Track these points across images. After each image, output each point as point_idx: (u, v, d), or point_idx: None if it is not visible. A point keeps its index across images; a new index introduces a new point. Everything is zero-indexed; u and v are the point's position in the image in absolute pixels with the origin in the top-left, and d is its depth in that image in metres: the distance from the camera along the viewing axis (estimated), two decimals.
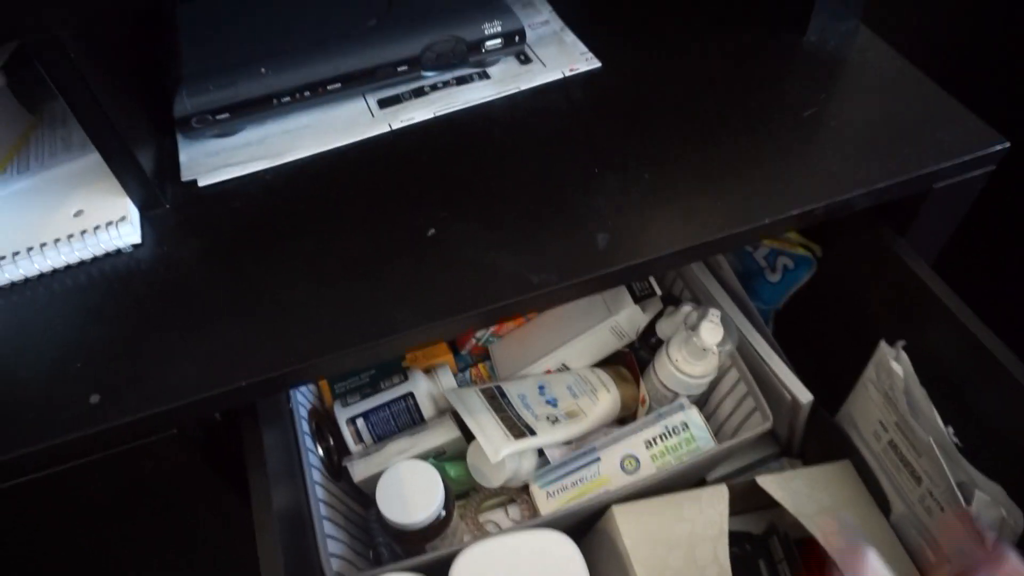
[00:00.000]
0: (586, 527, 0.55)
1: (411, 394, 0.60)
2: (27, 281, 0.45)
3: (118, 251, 0.46)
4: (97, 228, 0.45)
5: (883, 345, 0.53)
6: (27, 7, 0.36)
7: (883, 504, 0.57)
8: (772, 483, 0.54)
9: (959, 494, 0.48)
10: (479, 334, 0.65)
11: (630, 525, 0.52)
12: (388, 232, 0.46)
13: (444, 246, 0.45)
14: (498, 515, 0.62)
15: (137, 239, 0.46)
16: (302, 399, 0.59)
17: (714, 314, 0.56)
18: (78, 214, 0.46)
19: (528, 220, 0.46)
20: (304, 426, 0.56)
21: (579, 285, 0.44)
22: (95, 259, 0.45)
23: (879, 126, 0.50)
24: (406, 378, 0.61)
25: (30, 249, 0.45)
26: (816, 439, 0.62)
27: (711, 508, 0.51)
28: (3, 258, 0.44)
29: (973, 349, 0.48)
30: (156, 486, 0.45)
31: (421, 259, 0.45)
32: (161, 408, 0.39)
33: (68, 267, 0.45)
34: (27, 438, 0.38)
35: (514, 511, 0.62)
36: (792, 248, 0.62)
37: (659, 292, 0.62)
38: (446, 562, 0.48)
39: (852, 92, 0.53)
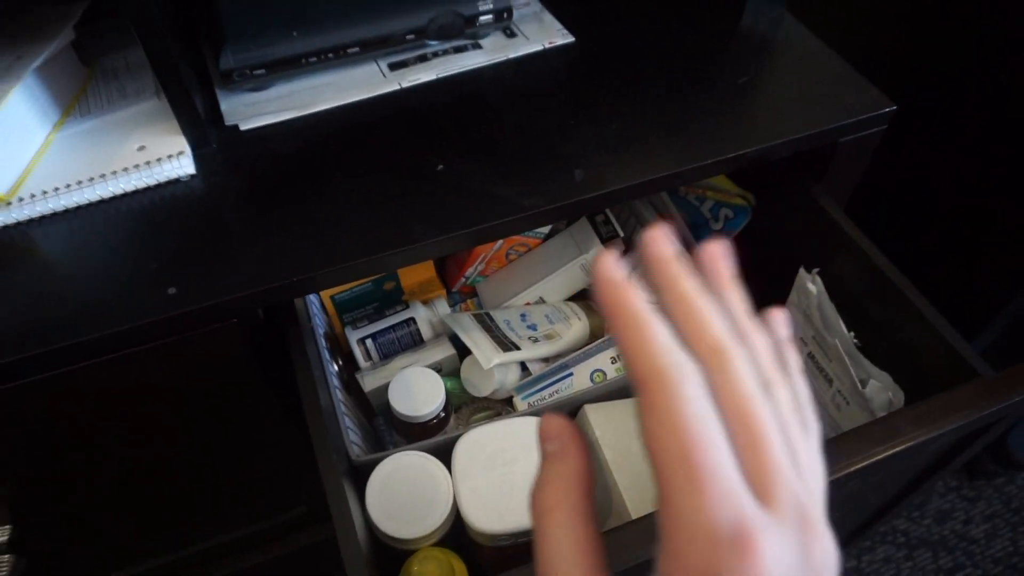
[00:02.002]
0: None
1: (412, 319, 0.70)
2: (102, 202, 0.53)
3: (177, 180, 0.55)
4: (160, 160, 0.54)
5: (802, 272, 0.65)
6: None
7: None
8: None
9: (859, 384, 0.60)
10: (468, 272, 0.75)
11: (600, 420, 0.63)
12: (404, 167, 0.56)
13: (451, 178, 0.56)
14: None
15: (193, 170, 0.55)
16: (318, 322, 0.69)
17: None
18: (141, 148, 0.55)
19: (518, 159, 0.57)
20: (323, 342, 0.66)
21: (560, 208, 0.54)
22: (158, 185, 0.54)
23: (797, 91, 0.63)
24: (407, 307, 0.71)
25: (103, 176, 0.53)
26: None
27: None
28: (80, 183, 0.53)
29: (871, 271, 0.61)
30: (212, 371, 0.54)
31: (433, 188, 0.55)
32: (226, 298, 0.48)
33: (136, 191, 0.54)
34: (116, 320, 0.47)
35: None
36: (732, 200, 0.74)
37: (622, 234, 0.73)
38: (448, 446, 0.58)
39: (777, 64, 0.65)
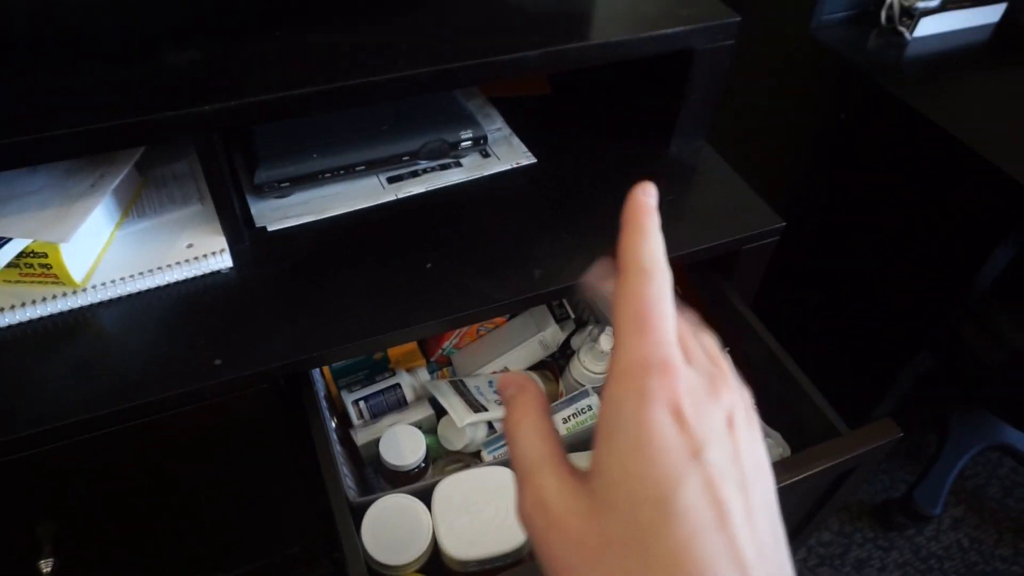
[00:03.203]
0: None
1: (398, 384, 0.84)
2: (158, 289, 0.67)
3: (218, 271, 0.68)
4: (205, 255, 0.68)
5: None
6: (205, 124, 0.60)
7: None
8: None
9: None
10: (444, 345, 0.90)
11: None
12: (399, 264, 0.71)
13: (437, 274, 0.70)
14: None
15: (231, 264, 0.69)
16: (319, 386, 0.82)
17: (610, 329, 0.82)
18: (189, 246, 0.69)
19: (491, 259, 0.72)
20: (324, 403, 0.78)
21: (523, 301, 0.69)
22: (204, 276, 0.68)
23: (711, 209, 0.80)
24: (394, 374, 0.85)
25: (159, 268, 0.67)
26: None
27: None
28: (141, 273, 0.66)
29: (767, 352, 0.77)
30: (240, 426, 0.67)
31: (422, 282, 0.70)
32: (262, 368, 0.62)
33: (186, 280, 0.67)
34: (171, 384, 0.60)
35: None
36: None
37: (573, 316, 0.89)
38: (428, 490, 0.71)
39: (696, 187, 0.83)
